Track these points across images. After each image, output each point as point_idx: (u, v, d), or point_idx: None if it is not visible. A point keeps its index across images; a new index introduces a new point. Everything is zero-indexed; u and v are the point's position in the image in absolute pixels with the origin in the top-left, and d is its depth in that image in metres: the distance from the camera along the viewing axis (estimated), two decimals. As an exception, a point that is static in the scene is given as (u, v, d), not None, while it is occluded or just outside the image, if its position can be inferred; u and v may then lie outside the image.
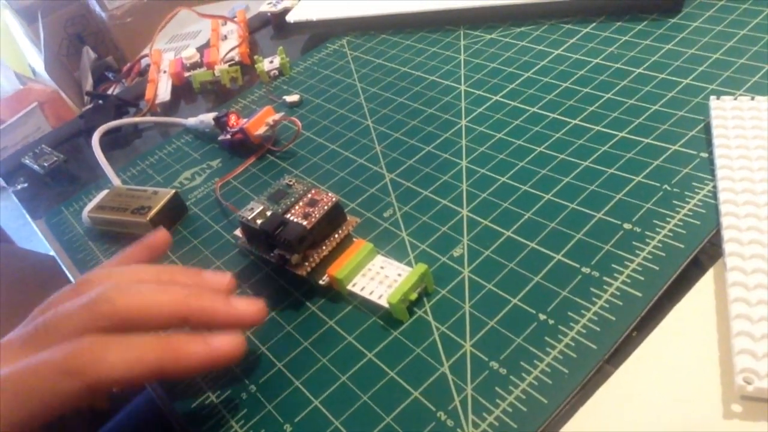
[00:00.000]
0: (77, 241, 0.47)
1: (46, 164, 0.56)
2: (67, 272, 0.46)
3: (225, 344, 0.29)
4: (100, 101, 0.62)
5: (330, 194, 0.35)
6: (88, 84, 1.54)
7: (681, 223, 0.32)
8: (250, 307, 0.31)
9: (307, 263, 0.34)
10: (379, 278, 0.34)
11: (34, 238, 0.50)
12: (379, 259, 0.35)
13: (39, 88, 1.49)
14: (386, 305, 0.32)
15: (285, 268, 0.35)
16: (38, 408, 0.26)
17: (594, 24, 0.49)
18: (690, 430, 0.25)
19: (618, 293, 0.30)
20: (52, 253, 0.48)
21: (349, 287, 0.34)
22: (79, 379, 0.26)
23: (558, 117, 0.42)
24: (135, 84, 0.72)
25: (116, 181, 0.50)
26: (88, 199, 0.49)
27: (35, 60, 1.65)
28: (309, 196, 0.36)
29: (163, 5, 0.75)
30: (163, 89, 0.63)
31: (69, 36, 1.77)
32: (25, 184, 0.58)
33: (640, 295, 0.30)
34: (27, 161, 0.58)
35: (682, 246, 0.31)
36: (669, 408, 0.26)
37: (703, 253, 0.31)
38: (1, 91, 1.57)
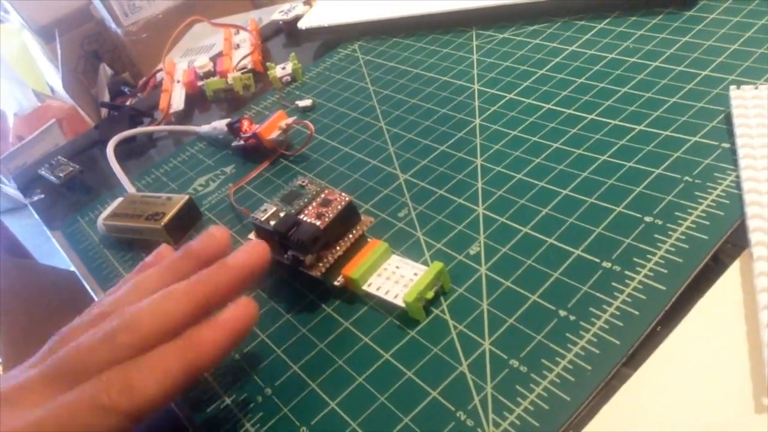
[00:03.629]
0: (92, 250, 0.47)
1: (61, 175, 0.56)
2: (87, 287, 0.45)
3: (235, 316, 0.29)
4: (115, 112, 0.62)
5: (343, 194, 0.35)
6: (105, 98, 1.56)
7: (704, 215, 0.31)
8: (249, 256, 0.31)
9: (321, 264, 0.34)
10: (395, 278, 0.33)
11: (54, 254, 0.51)
12: (395, 259, 0.34)
13: (57, 104, 1.51)
14: (402, 305, 0.32)
15: (299, 270, 0.35)
16: None
17: (608, 19, 0.49)
18: (719, 425, 0.24)
19: (641, 287, 0.29)
20: (72, 268, 0.48)
21: (365, 287, 0.33)
22: (116, 413, 0.26)
23: (574, 113, 0.41)
24: (149, 94, 0.72)
25: (131, 189, 0.50)
26: (103, 208, 0.49)
27: (53, 78, 1.68)
28: (322, 196, 0.35)
29: (178, 20, 0.75)
30: (176, 98, 0.63)
31: (86, 54, 1.79)
32: (42, 196, 0.58)
33: (663, 288, 0.29)
34: (43, 172, 0.58)
35: (706, 237, 0.30)
36: (697, 403, 0.25)
37: (728, 243, 0.30)
38: (21, 109, 1.59)
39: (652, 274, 0.29)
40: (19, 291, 1.30)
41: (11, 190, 1.80)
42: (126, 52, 1.66)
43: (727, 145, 0.34)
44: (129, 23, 1.59)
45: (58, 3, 1.75)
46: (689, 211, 0.32)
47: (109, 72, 1.73)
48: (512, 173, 0.38)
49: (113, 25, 1.62)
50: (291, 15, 0.69)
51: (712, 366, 0.26)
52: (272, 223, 0.34)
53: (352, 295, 0.34)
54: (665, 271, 0.29)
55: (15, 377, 0.28)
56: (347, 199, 0.35)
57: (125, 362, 0.27)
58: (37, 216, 0.56)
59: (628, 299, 0.29)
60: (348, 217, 0.35)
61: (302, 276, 0.35)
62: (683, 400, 0.25)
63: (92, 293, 0.44)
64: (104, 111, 1.42)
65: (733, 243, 0.30)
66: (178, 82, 0.66)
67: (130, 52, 1.63)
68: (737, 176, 0.32)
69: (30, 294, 1.29)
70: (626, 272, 0.30)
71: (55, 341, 0.30)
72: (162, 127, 0.60)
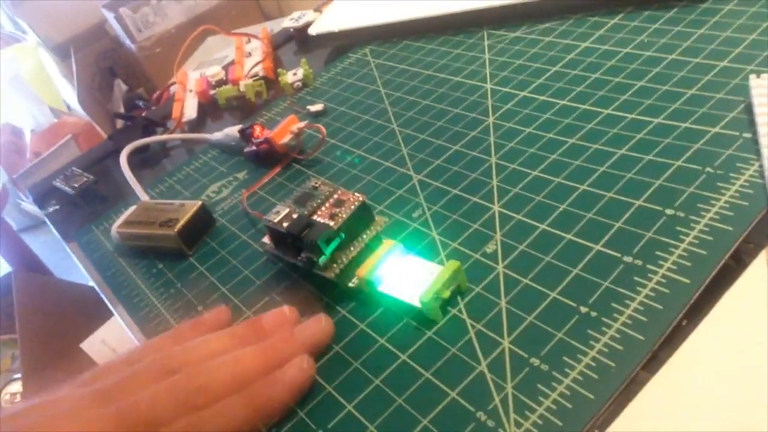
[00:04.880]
0: (107, 259, 0.47)
1: (76, 185, 0.56)
2: (104, 297, 0.45)
3: (297, 374, 0.30)
4: (129, 122, 0.63)
5: (356, 194, 0.35)
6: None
7: (727, 206, 0.30)
8: (315, 332, 0.32)
9: (335, 265, 0.33)
10: (410, 278, 0.33)
11: (73, 269, 0.51)
12: (410, 259, 0.34)
13: (73, 120, 1.53)
14: (418, 305, 0.31)
15: (313, 272, 0.34)
16: None
17: (621, 15, 0.48)
18: (746, 425, 0.23)
19: (664, 281, 0.28)
20: (88, 279, 0.48)
21: (380, 288, 0.33)
22: None
23: (589, 108, 0.40)
24: (162, 105, 0.72)
25: (144, 197, 0.50)
26: (117, 217, 0.49)
27: (69, 95, 1.70)
28: (335, 197, 0.35)
29: (191, 34, 0.76)
30: (189, 107, 0.63)
31: (101, 70, 1.81)
32: (57, 207, 0.58)
33: (688, 281, 0.28)
34: (58, 184, 0.58)
35: (730, 228, 0.29)
36: (726, 400, 0.24)
37: (753, 234, 0.29)
38: (38, 126, 1.61)
39: (675, 267, 0.29)
40: (38, 306, 1.31)
41: (30, 206, 1.82)
42: (140, 67, 1.68)
43: (748, 135, 0.33)
44: (142, 39, 1.61)
45: (73, 21, 1.78)
46: (712, 202, 0.31)
47: (124, 87, 1.75)
48: (528, 170, 0.38)
49: (127, 41, 1.64)
50: (301, 22, 0.69)
51: (740, 360, 0.25)
52: (285, 224, 0.34)
53: (367, 297, 0.34)
54: (689, 264, 0.28)
55: (73, 413, 0.29)
56: (360, 199, 0.34)
57: (195, 414, 0.29)
58: (52, 227, 0.56)
59: (652, 294, 0.28)
60: (362, 217, 0.34)
61: (316, 278, 0.34)
62: (709, 399, 0.24)
63: (109, 305, 0.44)
64: (120, 123, 1.44)
65: (756, 243, 0.29)
66: (191, 91, 0.66)
67: (144, 66, 1.65)
68: (760, 166, 0.31)
69: (48, 309, 1.29)
70: (648, 266, 0.29)
71: (114, 380, 0.31)
72: (175, 135, 0.60)
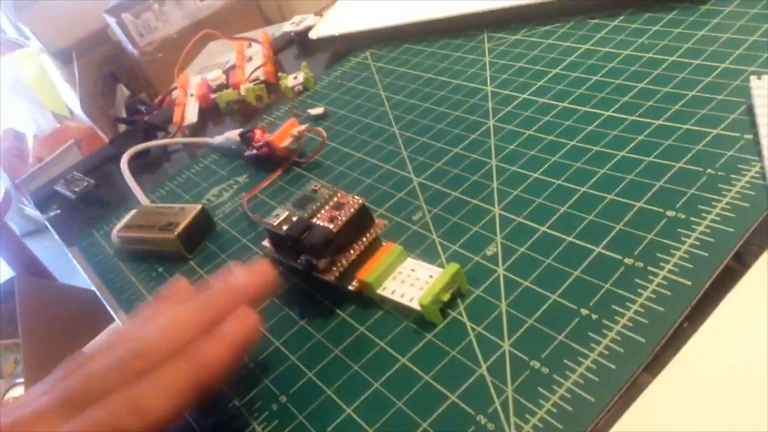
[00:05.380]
0: (107, 263, 0.47)
1: (77, 190, 0.56)
2: (104, 302, 0.45)
3: (237, 328, 0.29)
4: (130, 127, 0.63)
5: (356, 197, 0.34)
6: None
7: (729, 207, 0.30)
8: (254, 277, 0.31)
9: (335, 268, 0.33)
10: (410, 281, 0.32)
11: (75, 274, 0.51)
12: (410, 262, 0.34)
13: (75, 125, 1.53)
14: (418, 308, 0.31)
15: (313, 275, 0.34)
16: None
17: (621, 17, 0.48)
18: (748, 427, 0.23)
19: (665, 283, 0.28)
20: (89, 283, 0.48)
21: (379, 291, 0.33)
22: None
23: (590, 110, 0.40)
24: (164, 109, 0.72)
25: (145, 201, 0.50)
26: (117, 221, 0.49)
27: (72, 100, 1.70)
28: (335, 199, 0.35)
29: (194, 41, 0.76)
30: (190, 111, 0.63)
31: (103, 75, 1.82)
32: (58, 211, 0.58)
33: (689, 283, 0.28)
34: (59, 188, 0.59)
35: (732, 230, 0.29)
36: (728, 402, 0.24)
37: (755, 235, 0.29)
38: (40, 131, 1.62)
39: (676, 269, 0.28)
40: (40, 310, 1.31)
41: (32, 211, 1.82)
42: (142, 71, 1.68)
43: (749, 137, 0.33)
44: (144, 44, 1.61)
45: (75, 26, 1.78)
46: (713, 203, 0.30)
47: (126, 92, 1.75)
48: (528, 172, 0.38)
49: (129, 46, 1.64)
50: (302, 26, 0.69)
51: (743, 362, 0.25)
52: (285, 227, 0.34)
53: (367, 300, 0.34)
54: (690, 266, 0.28)
55: (27, 404, 0.29)
56: (360, 201, 0.34)
57: (133, 384, 0.27)
58: (53, 231, 0.56)
59: (653, 296, 0.28)
60: (361, 220, 0.34)
61: (316, 281, 0.34)
62: (711, 401, 0.24)
63: (110, 309, 0.44)
64: (122, 127, 1.44)
65: (757, 244, 0.28)
66: (192, 95, 0.66)
67: (146, 71, 1.65)
68: (762, 167, 0.31)
69: (50, 313, 1.30)
70: (650, 268, 0.29)
71: (68, 367, 0.30)
72: (175, 139, 0.60)
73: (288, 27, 0.70)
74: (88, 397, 0.27)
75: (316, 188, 0.36)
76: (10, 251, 1.60)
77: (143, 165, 0.58)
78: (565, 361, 0.27)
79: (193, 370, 0.28)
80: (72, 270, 0.53)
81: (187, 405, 0.28)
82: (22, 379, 1.32)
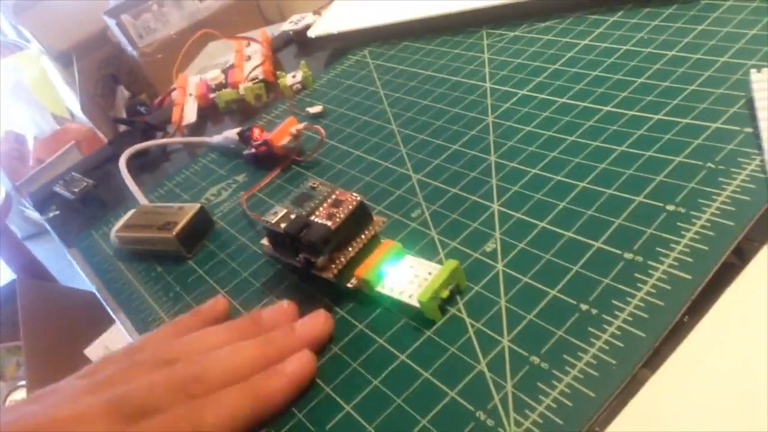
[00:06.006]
0: (106, 263, 0.47)
1: (76, 190, 0.56)
2: (103, 302, 0.45)
3: (298, 368, 0.30)
4: (128, 127, 0.63)
5: (354, 194, 0.34)
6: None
7: (729, 201, 0.30)
8: (315, 327, 0.32)
9: (333, 265, 0.33)
10: (409, 278, 0.32)
11: (77, 276, 0.51)
12: (409, 259, 0.33)
13: (75, 127, 1.53)
14: (417, 305, 0.31)
15: (312, 273, 0.34)
16: None
17: (621, 12, 0.48)
18: (748, 424, 0.22)
19: (665, 277, 0.28)
20: (89, 284, 0.48)
21: (378, 288, 0.33)
22: None
23: (589, 105, 0.40)
24: (163, 109, 0.72)
25: (143, 201, 0.50)
26: (116, 221, 0.49)
27: (72, 102, 1.70)
28: (333, 197, 0.35)
29: (193, 41, 0.76)
30: (189, 111, 0.63)
31: (103, 77, 1.82)
32: (57, 212, 0.58)
33: (689, 277, 0.27)
34: (58, 189, 0.58)
35: (732, 224, 0.29)
36: (728, 397, 0.23)
37: (755, 229, 0.28)
38: (40, 133, 1.62)
39: (676, 263, 0.28)
40: (41, 313, 1.31)
41: (33, 214, 1.82)
42: (142, 73, 1.68)
43: (749, 130, 0.33)
44: (144, 45, 1.61)
45: (75, 29, 1.78)
46: (713, 197, 0.30)
47: (127, 94, 1.75)
48: (527, 168, 0.37)
49: (129, 48, 1.64)
50: (301, 25, 0.69)
51: (744, 356, 0.24)
52: (283, 225, 0.34)
53: (365, 298, 0.34)
54: (690, 260, 0.28)
55: (70, 399, 0.29)
56: (358, 198, 0.34)
57: (193, 404, 0.28)
58: (52, 232, 0.56)
59: (653, 290, 0.28)
60: (360, 217, 0.34)
61: (315, 279, 0.34)
62: (711, 396, 0.24)
63: (109, 310, 0.44)
64: (122, 128, 1.44)
65: (758, 238, 0.28)
66: (191, 95, 0.66)
67: (146, 72, 1.65)
68: (762, 160, 0.31)
69: (51, 316, 1.30)
70: (649, 262, 0.29)
71: (113, 365, 0.31)
72: (174, 139, 0.59)
73: (286, 26, 0.70)
74: (144, 408, 0.28)
75: (314, 185, 0.36)
76: (11, 254, 1.60)
77: (142, 165, 0.58)
78: (565, 356, 0.27)
79: (256, 399, 0.29)
80: (74, 272, 0.53)
81: (241, 428, 0.29)
82: (24, 382, 1.32)
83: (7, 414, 0.28)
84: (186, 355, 0.31)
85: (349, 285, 0.33)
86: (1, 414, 0.28)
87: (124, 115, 1.65)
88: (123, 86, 1.77)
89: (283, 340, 0.31)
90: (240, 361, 0.30)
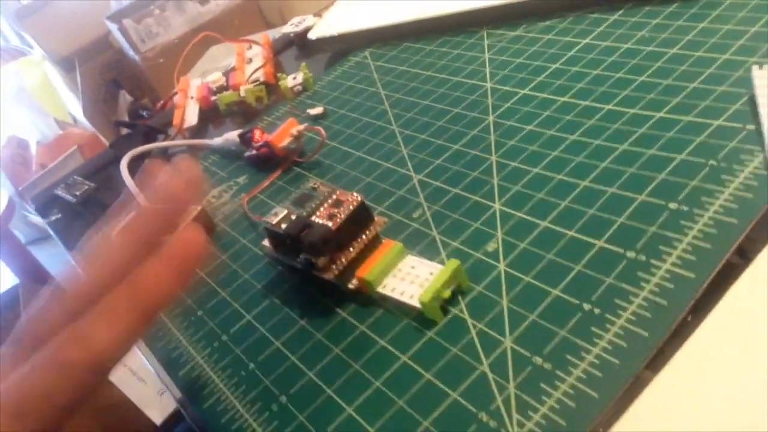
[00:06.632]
0: (108, 266, 0.47)
1: (77, 193, 0.56)
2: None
3: (180, 246, 0.26)
4: (130, 130, 0.63)
5: (355, 194, 0.34)
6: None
7: (732, 198, 0.30)
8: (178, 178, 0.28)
9: (334, 266, 0.33)
10: (410, 278, 0.32)
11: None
12: (410, 259, 0.33)
13: (78, 132, 1.54)
14: (418, 305, 0.30)
15: (312, 274, 0.34)
16: (48, 412, 0.24)
17: (621, 11, 0.48)
18: (753, 424, 0.22)
19: (668, 276, 0.28)
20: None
21: (379, 289, 0.32)
22: (77, 367, 0.24)
23: (590, 104, 0.40)
24: (164, 112, 0.72)
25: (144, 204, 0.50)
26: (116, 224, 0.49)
27: (75, 107, 1.71)
28: (334, 197, 0.34)
29: (195, 44, 0.76)
30: (190, 114, 0.63)
31: (106, 82, 1.82)
32: (59, 215, 0.58)
33: (693, 276, 0.27)
34: (60, 192, 0.58)
35: (735, 221, 0.28)
36: (733, 397, 0.23)
37: (759, 226, 0.28)
38: (43, 138, 1.62)
39: (679, 261, 0.28)
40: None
41: (36, 218, 1.83)
42: (144, 77, 1.68)
43: (752, 127, 0.33)
44: (146, 49, 1.61)
45: (77, 34, 1.79)
46: (716, 195, 0.30)
47: (129, 98, 1.75)
48: (529, 168, 0.37)
49: (131, 52, 1.64)
50: (302, 27, 0.69)
51: (749, 355, 0.24)
52: (283, 226, 0.34)
53: (366, 299, 0.33)
54: (694, 258, 0.28)
55: None
56: (359, 199, 0.34)
57: (77, 318, 0.25)
58: (54, 235, 0.56)
59: (656, 289, 0.27)
60: (360, 217, 0.34)
61: (316, 280, 0.34)
62: (716, 396, 0.23)
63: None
64: (125, 131, 1.44)
65: (762, 235, 0.28)
66: (192, 98, 0.66)
67: (148, 77, 1.65)
68: (765, 157, 0.31)
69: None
70: (652, 261, 0.29)
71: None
72: (174, 142, 0.59)
73: (287, 28, 0.70)
74: (34, 337, 0.25)
75: (315, 186, 0.36)
76: (14, 259, 1.60)
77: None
78: (568, 356, 0.27)
79: (137, 296, 0.25)
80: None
81: (133, 333, 0.25)
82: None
83: None
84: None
85: (350, 286, 0.33)
86: None
87: (126, 119, 1.66)
88: (125, 91, 1.77)
89: (152, 216, 0.28)
90: (111, 249, 0.26)
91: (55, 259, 1.78)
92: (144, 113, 1.51)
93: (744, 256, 0.28)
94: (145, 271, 0.26)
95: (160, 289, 0.26)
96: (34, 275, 1.62)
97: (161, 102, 0.95)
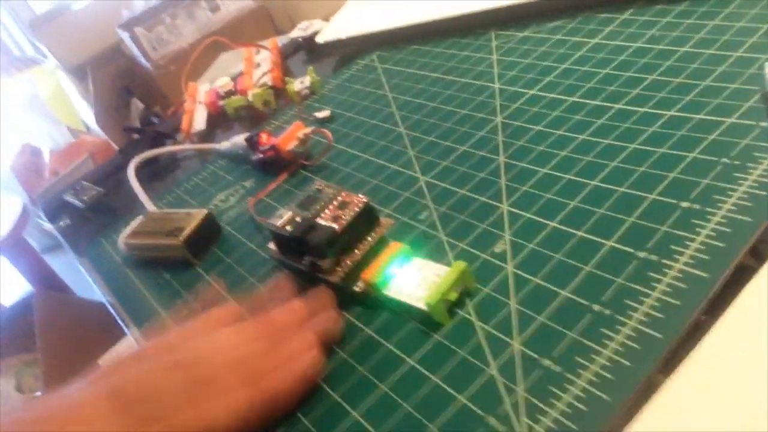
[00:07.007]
0: (115, 271, 0.47)
1: (86, 198, 0.56)
2: (112, 311, 0.45)
3: (308, 367, 0.29)
4: (138, 135, 0.63)
5: (360, 196, 0.34)
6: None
7: (745, 196, 0.29)
8: (326, 325, 0.31)
9: (339, 268, 0.32)
10: (417, 280, 0.32)
11: (91, 287, 0.51)
12: (416, 261, 0.33)
13: (90, 139, 1.55)
14: (425, 308, 0.30)
15: (318, 277, 0.33)
16: None
17: (631, 10, 0.47)
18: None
19: (681, 276, 0.27)
20: (99, 293, 0.48)
21: (385, 292, 0.32)
22: None
23: (599, 103, 0.39)
24: (173, 118, 0.72)
25: (152, 208, 0.50)
26: (125, 229, 0.49)
27: (87, 115, 1.72)
28: (339, 198, 0.34)
29: (205, 50, 0.76)
30: (198, 119, 0.63)
31: (118, 90, 1.84)
32: (68, 221, 0.58)
33: (706, 275, 0.27)
34: (68, 198, 0.59)
35: (749, 219, 0.28)
36: (751, 399, 0.22)
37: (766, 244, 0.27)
38: (56, 146, 1.63)
39: (692, 261, 0.27)
40: (58, 324, 1.31)
41: (50, 226, 1.84)
42: (156, 84, 1.69)
43: (765, 124, 0.32)
44: (157, 57, 1.63)
45: (90, 43, 1.81)
46: (729, 193, 0.29)
47: (141, 106, 1.77)
48: (537, 168, 0.37)
49: (143, 60, 1.66)
50: (309, 31, 0.69)
51: (759, 364, 0.23)
52: (288, 228, 0.33)
53: (373, 301, 0.33)
54: (707, 257, 0.27)
55: (71, 391, 0.28)
56: (364, 200, 0.33)
57: (193, 394, 0.28)
58: (63, 241, 0.56)
59: (668, 289, 0.27)
60: (366, 219, 0.33)
61: (321, 283, 0.34)
62: (731, 398, 0.23)
63: (118, 319, 0.44)
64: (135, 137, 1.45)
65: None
66: (200, 103, 0.66)
67: (159, 84, 1.66)
68: (780, 154, 0.30)
69: (67, 325, 1.30)
70: (664, 261, 0.28)
71: (113, 366, 0.30)
72: (181, 146, 0.59)
73: (295, 33, 0.70)
74: (140, 395, 0.28)
75: (320, 188, 0.36)
76: (28, 267, 1.61)
77: (152, 173, 0.58)
78: (578, 359, 0.26)
79: (259, 397, 0.28)
80: (88, 282, 0.53)
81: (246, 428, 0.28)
82: (40, 393, 1.33)
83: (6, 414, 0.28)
84: (190, 347, 0.30)
85: (356, 288, 0.33)
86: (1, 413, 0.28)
87: (138, 125, 1.67)
88: (137, 98, 1.79)
89: (292, 338, 0.31)
90: (244, 352, 0.29)
91: (68, 266, 1.79)
92: (155, 120, 1.52)
93: (758, 256, 0.27)
94: (272, 380, 0.29)
95: (281, 398, 0.29)
96: (48, 283, 1.63)
97: (172, 108, 0.95)
